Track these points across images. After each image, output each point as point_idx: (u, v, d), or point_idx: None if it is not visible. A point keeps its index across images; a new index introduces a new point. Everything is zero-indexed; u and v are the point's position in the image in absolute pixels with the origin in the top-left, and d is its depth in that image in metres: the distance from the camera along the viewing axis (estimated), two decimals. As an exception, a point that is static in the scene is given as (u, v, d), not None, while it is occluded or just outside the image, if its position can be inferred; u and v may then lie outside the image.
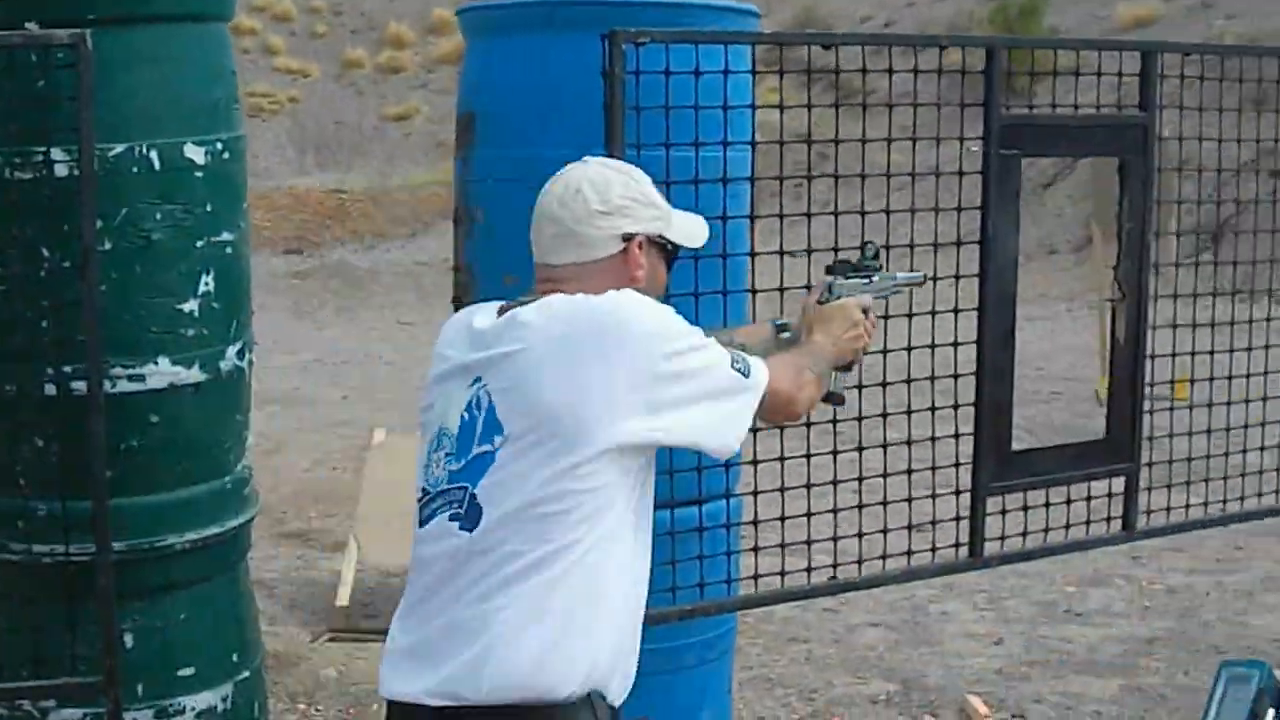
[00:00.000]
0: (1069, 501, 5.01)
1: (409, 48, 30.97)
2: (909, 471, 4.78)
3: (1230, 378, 5.27)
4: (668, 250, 3.20)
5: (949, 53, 4.74)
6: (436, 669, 2.94)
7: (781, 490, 4.61)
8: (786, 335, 3.71)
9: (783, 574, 4.62)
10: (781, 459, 4.61)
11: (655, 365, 2.94)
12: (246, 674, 4.78)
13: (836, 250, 4.13)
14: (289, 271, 21.62)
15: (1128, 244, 4.89)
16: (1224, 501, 5.33)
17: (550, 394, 2.92)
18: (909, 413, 4.79)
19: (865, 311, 3.60)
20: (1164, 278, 5.08)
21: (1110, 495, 5.08)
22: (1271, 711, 2.60)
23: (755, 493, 4.57)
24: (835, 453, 4.69)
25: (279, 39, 30.98)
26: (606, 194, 3.10)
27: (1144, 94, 4.83)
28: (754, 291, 4.53)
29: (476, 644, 2.90)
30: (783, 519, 4.62)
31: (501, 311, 3.06)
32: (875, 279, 3.75)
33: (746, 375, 3.08)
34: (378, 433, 8.89)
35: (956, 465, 4.83)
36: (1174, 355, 5.09)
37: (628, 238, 3.10)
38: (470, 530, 2.95)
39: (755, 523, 4.59)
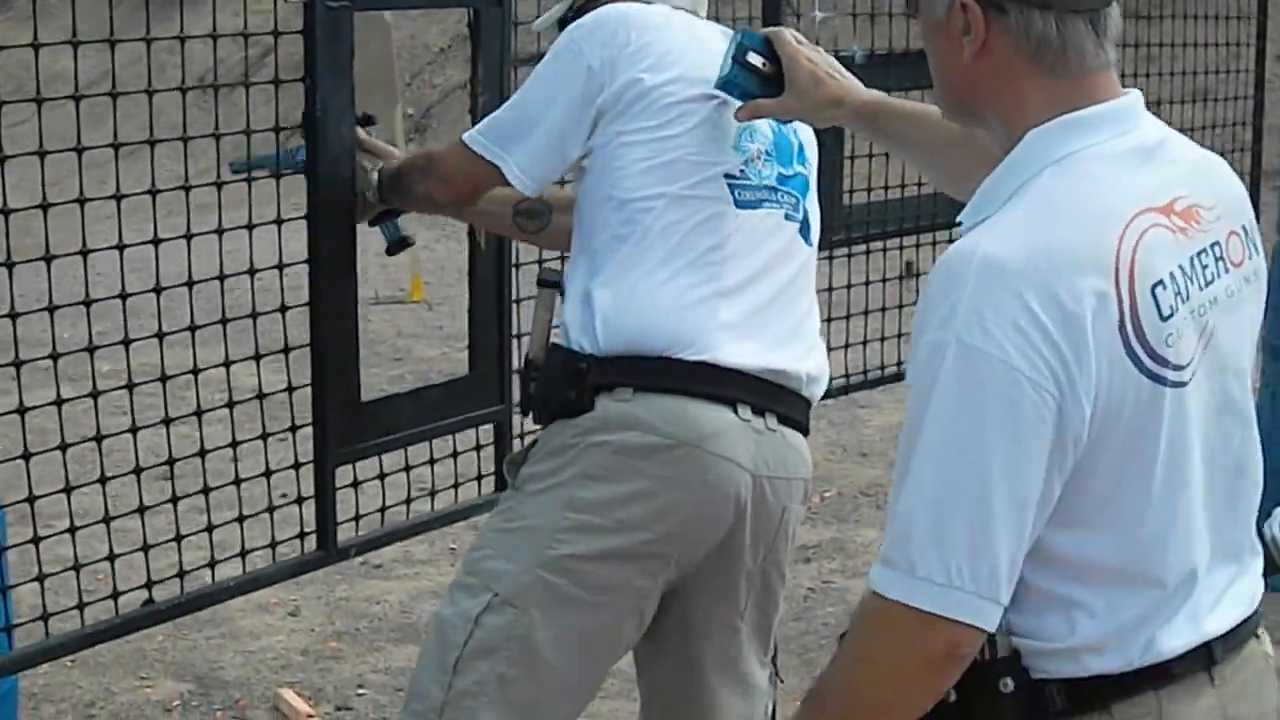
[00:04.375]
0: (432, 461, 3.91)
1: None
2: (234, 444, 3.54)
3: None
4: None
5: None
6: (800, 356, 3.05)
7: (68, 490, 3.27)
8: None
9: (81, 606, 3.30)
10: (63, 446, 3.28)
11: None
12: None
13: None
14: None
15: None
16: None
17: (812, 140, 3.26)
18: (227, 365, 3.55)
19: None
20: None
21: (479, 448, 4.02)
22: None
23: (31, 499, 3.22)
24: (135, 429, 3.39)
25: None
26: None
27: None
28: None
29: (816, 346, 3.11)
30: (73, 529, 3.29)
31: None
32: None
33: None
34: None
35: (293, 429, 3.62)
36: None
37: None
38: (808, 241, 3.13)
39: (36, 541, 3.24)
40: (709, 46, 3.06)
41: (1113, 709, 1.96)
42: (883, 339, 4.98)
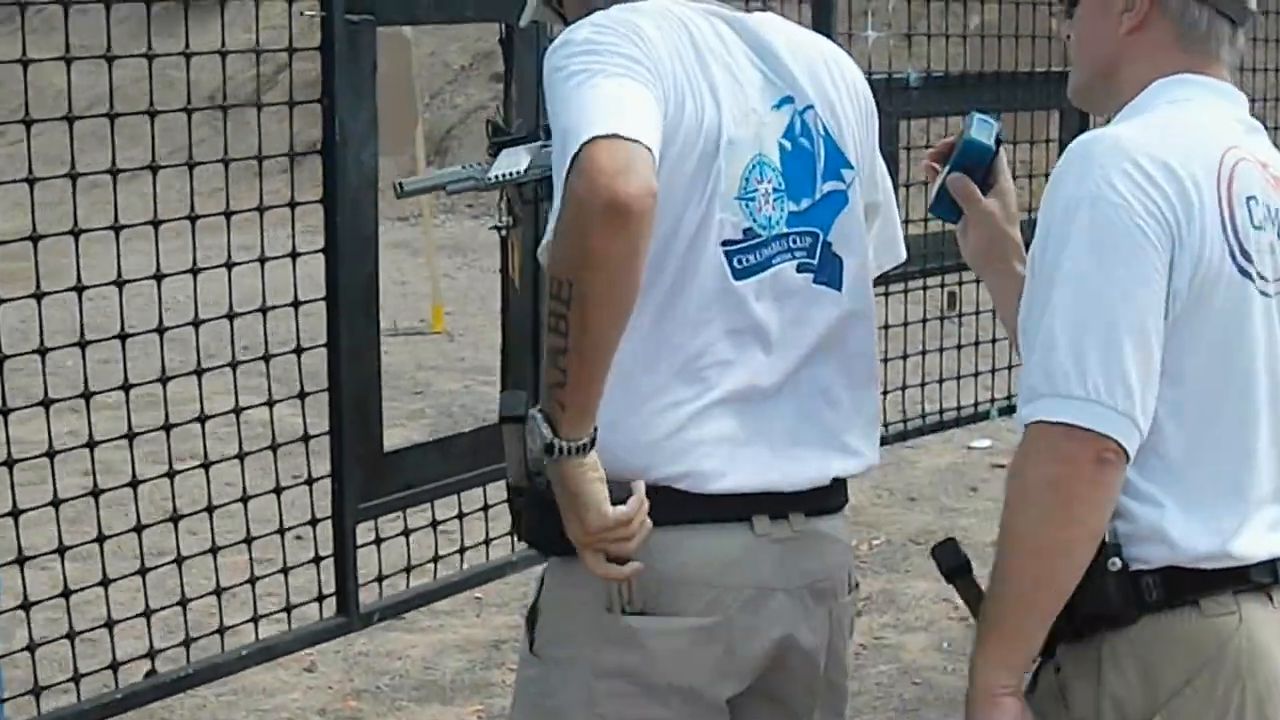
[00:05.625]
0: (461, 516, 3.61)
1: None
2: (244, 499, 3.25)
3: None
4: None
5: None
6: (819, 455, 2.57)
7: (62, 552, 2.97)
8: None
9: (76, 679, 3.00)
10: (55, 502, 2.98)
11: None
12: None
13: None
14: None
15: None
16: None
17: (860, 129, 2.65)
18: (237, 411, 3.25)
19: None
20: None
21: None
22: None
23: (21, 560, 2.91)
24: (135, 483, 3.09)
25: None
26: None
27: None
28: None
29: (854, 426, 2.63)
30: (67, 593, 2.99)
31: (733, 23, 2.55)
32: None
33: None
34: None
35: (310, 482, 3.32)
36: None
37: None
38: (836, 286, 2.62)
39: (27, 607, 2.94)
40: (765, 57, 2.57)
41: (1200, 603, 2.15)
42: (940, 380, 4.68)
